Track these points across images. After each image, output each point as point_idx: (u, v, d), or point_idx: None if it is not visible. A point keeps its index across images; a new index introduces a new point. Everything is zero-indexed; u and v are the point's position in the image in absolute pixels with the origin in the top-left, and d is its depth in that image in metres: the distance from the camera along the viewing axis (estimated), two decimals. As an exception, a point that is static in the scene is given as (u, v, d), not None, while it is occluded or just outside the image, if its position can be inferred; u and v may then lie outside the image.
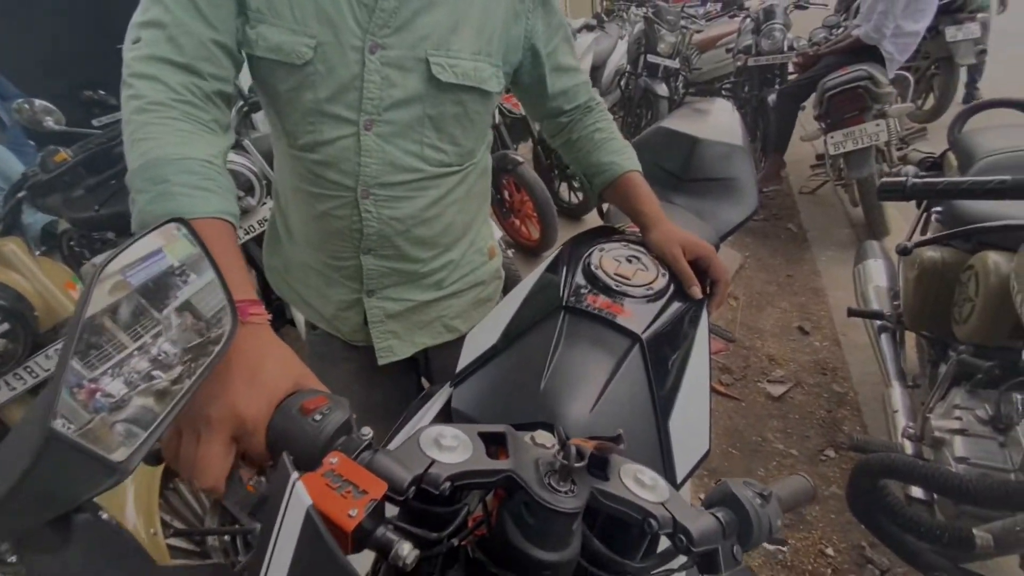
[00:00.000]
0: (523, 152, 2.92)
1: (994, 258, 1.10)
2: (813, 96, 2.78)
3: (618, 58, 4.14)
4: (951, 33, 3.54)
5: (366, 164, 0.74)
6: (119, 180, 1.57)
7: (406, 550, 0.34)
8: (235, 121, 1.63)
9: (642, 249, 0.83)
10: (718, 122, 1.36)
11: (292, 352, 0.50)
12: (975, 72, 3.93)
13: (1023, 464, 0.96)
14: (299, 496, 0.32)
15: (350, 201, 0.77)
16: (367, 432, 0.42)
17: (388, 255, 0.83)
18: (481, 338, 0.73)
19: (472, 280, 0.94)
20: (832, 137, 2.55)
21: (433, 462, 0.39)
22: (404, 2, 0.69)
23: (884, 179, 0.87)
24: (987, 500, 0.74)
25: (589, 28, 4.15)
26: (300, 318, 1.44)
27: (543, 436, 0.47)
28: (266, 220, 1.06)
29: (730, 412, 1.92)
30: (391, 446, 0.46)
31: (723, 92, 4.07)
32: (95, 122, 2.15)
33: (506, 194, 2.91)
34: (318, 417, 0.42)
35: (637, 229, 0.89)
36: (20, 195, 1.22)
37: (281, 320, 1.76)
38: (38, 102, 1.46)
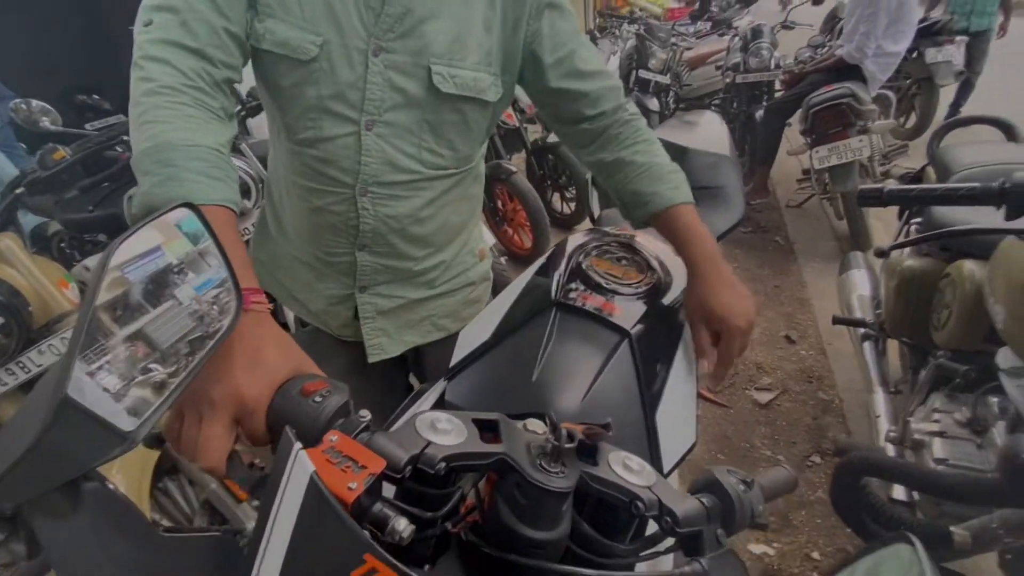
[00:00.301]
0: (516, 162, 2.96)
1: (969, 266, 1.15)
2: (799, 112, 2.86)
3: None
4: (931, 55, 3.67)
5: (366, 163, 0.76)
6: (113, 182, 1.58)
7: (402, 525, 0.36)
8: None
9: (632, 249, 0.86)
10: (707, 133, 1.40)
11: (291, 339, 0.51)
12: (962, 94, 4.07)
13: (999, 464, 0.99)
14: (302, 464, 0.34)
15: (348, 197, 0.78)
16: (365, 414, 0.43)
17: (382, 252, 0.84)
18: (475, 334, 0.75)
19: (463, 280, 0.96)
20: (817, 152, 2.63)
21: (429, 443, 0.40)
22: (409, 10, 0.71)
23: (863, 187, 0.91)
24: (960, 495, 0.76)
25: (582, 43, 4.23)
26: (291, 317, 1.44)
27: (535, 423, 0.48)
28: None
29: (719, 419, 1.95)
30: None
31: (713, 108, 4.16)
32: (88, 126, 2.15)
33: (499, 203, 2.95)
34: (318, 399, 0.43)
35: (629, 231, 0.91)
36: (18, 191, 1.23)
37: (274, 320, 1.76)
38: (35, 102, 1.47)
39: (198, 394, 0.44)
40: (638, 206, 0.82)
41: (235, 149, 1.64)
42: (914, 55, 3.66)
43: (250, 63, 0.73)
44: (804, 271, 2.85)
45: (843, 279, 1.89)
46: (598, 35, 4.82)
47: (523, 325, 0.72)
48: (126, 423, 0.34)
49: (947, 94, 4.06)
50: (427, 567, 0.43)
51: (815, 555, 1.46)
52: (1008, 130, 1.70)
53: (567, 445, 0.42)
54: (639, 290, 0.76)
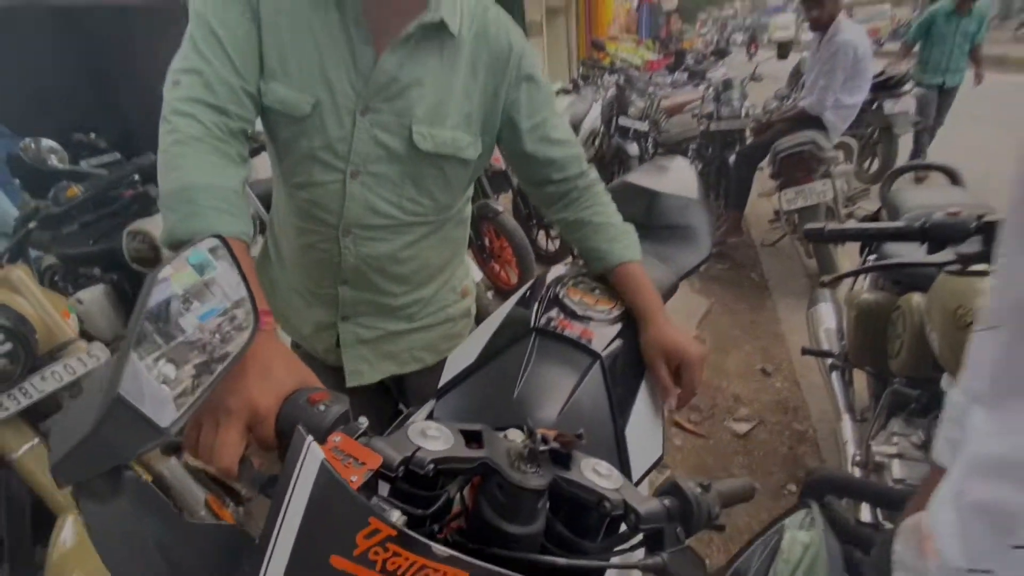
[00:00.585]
0: (503, 202, 3.09)
1: (916, 299, 1.25)
2: (768, 158, 3.05)
3: (592, 120, 4.46)
4: (888, 106, 3.96)
5: (349, 207, 0.83)
6: (113, 219, 1.65)
7: (395, 516, 0.41)
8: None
9: (605, 280, 0.94)
10: (677, 178, 1.52)
11: (296, 356, 0.58)
12: (919, 142, 4.37)
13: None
14: (314, 452, 0.40)
15: (332, 237, 0.86)
16: (363, 421, 0.50)
17: (363, 287, 0.91)
18: (461, 358, 0.81)
19: (442, 316, 1.02)
20: (785, 194, 2.80)
21: (419, 448, 0.45)
22: (395, 78, 0.78)
23: (807, 225, 1.02)
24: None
25: (566, 92, 4.50)
26: (286, 340, 1.50)
27: (514, 433, 0.55)
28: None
29: (698, 449, 2.00)
30: None
31: (690, 152, 4.40)
32: (83, 163, 2.22)
33: (487, 240, 3.05)
34: (322, 407, 0.50)
35: None
36: (31, 226, 1.29)
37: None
38: (44, 141, 1.55)
39: (215, 403, 0.50)
40: (595, 260, 0.91)
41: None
42: (874, 106, 3.95)
43: None
44: (778, 307, 2.97)
45: (811, 313, 2.00)
46: (581, 83, 5.06)
47: (505, 349, 0.79)
48: (163, 419, 0.40)
49: (909, 141, 4.35)
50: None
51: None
52: (952, 176, 1.86)
53: (542, 447, 0.48)
54: (611, 316, 0.84)
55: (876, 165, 4.28)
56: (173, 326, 0.43)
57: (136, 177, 1.49)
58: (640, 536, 0.51)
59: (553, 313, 0.83)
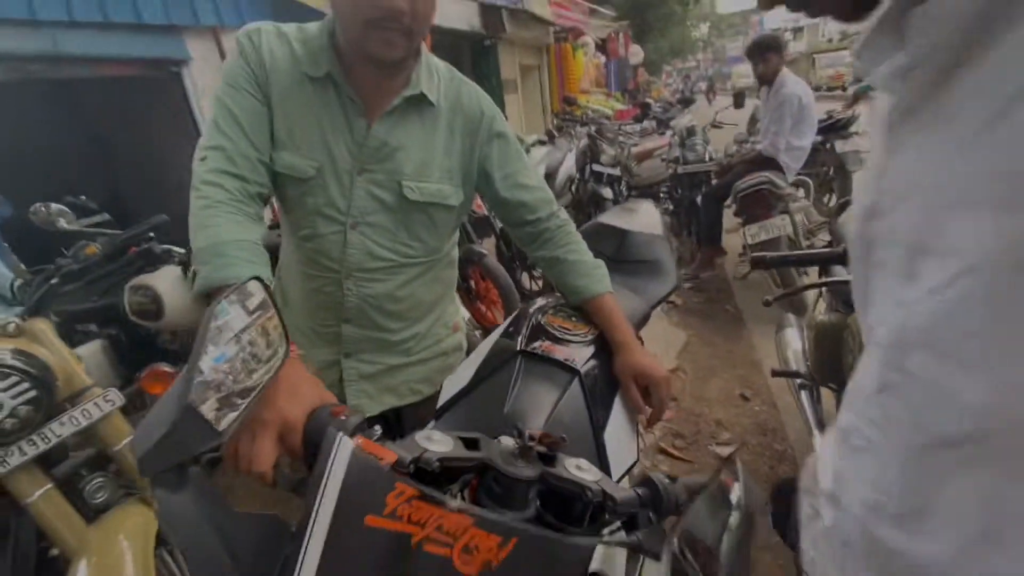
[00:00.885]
0: (487, 246, 3.24)
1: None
2: (731, 197, 3.29)
3: (568, 167, 4.71)
4: (839, 146, 4.29)
5: (350, 254, 0.96)
6: (115, 276, 1.73)
7: None
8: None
9: (581, 307, 1.06)
10: (643, 218, 1.67)
11: (317, 378, 0.68)
12: None
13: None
14: (345, 443, 0.50)
15: (336, 280, 0.98)
16: (378, 429, 0.60)
17: (364, 324, 1.03)
18: (456, 382, 0.91)
19: (436, 350, 1.13)
20: (749, 229, 3.01)
21: (426, 450, 0.55)
22: (385, 143, 0.92)
23: (753, 255, 1.16)
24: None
25: (542, 143, 4.77)
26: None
27: (506, 439, 0.65)
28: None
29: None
30: None
31: (661, 194, 4.66)
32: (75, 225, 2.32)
33: (472, 283, 3.17)
34: (343, 418, 0.60)
35: None
36: (52, 282, 1.36)
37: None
38: (54, 205, 1.66)
39: (252, 417, 0.60)
40: (571, 294, 1.02)
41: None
42: (827, 146, 4.28)
43: None
44: (753, 335, 3.11)
45: (779, 337, 2.14)
46: (556, 135, 5.37)
47: (495, 372, 0.89)
48: (221, 424, 0.50)
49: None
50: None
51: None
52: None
53: (530, 443, 0.59)
54: (587, 338, 0.95)
55: (834, 199, 4.58)
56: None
57: (152, 235, 1.59)
58: (618, 523, 0.60)
59: (536, 336, 0.94)
